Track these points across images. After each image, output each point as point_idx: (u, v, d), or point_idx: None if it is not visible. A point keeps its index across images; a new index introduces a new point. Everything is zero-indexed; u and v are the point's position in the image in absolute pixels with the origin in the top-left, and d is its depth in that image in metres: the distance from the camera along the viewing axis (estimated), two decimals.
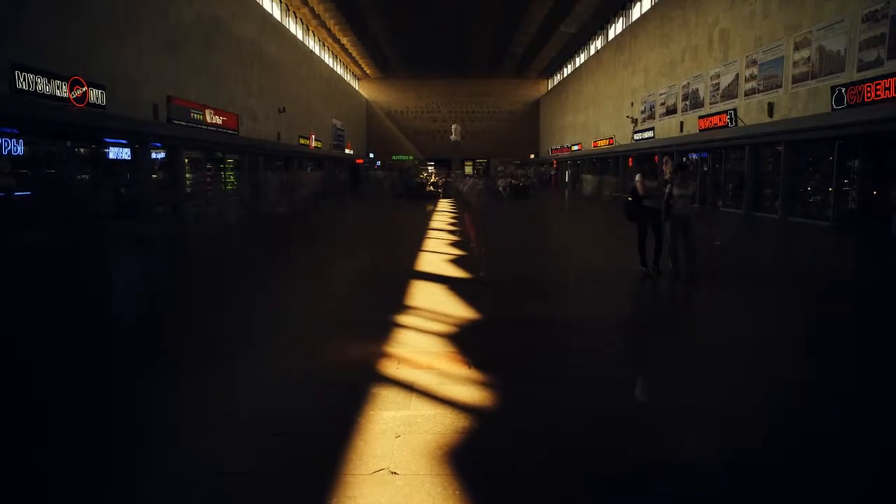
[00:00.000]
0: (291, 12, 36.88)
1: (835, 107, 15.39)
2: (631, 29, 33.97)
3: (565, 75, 52.95)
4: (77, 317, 6.76)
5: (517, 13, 38.96)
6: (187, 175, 22.03)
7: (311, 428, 3.74)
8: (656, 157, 32.06)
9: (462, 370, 4.72)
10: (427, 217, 20.45)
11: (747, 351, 5.37)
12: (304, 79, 38.75)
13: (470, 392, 4.30)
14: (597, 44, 42.10)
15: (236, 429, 3.76)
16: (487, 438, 3.62)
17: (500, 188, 32.22)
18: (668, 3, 28.03)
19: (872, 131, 14.35)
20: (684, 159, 24.09)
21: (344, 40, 46.62)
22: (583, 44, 45.44)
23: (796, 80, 17.90)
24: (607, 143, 37.57)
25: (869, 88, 14.13)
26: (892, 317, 6.77)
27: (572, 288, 8.66)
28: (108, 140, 16.71)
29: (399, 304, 7.04)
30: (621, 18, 36.28)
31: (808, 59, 17.23)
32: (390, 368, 4.74)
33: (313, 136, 38.96)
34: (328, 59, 47.26)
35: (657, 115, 29.58)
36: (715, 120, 22.43)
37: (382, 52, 50.30)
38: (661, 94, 29.04)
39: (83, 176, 16.19)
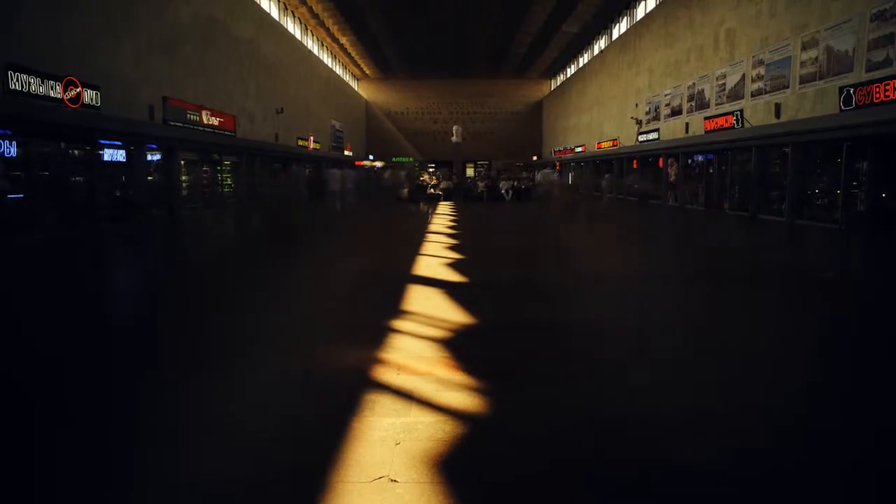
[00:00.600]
0: (290, 11, 36.97)
1: (843, 108, 15.40)
2: (635, 28, 34.03)
3: (568, 76, 53.03)
4: (67, 320, 6.76)
5: (519, 12, 39.04)
6: (183, 177, 22.05)
7: (309, 434, 3.74)
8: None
9: (463, 376, 4.72)
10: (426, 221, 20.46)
11: (756, 354, 5.37)
12: (303, 79, 38.84)
13: (470, 398, 4.30)
14: (600, 43, 42.17)
15: (234, 435, 3.76)
16: (488, 445, 3.62)
17: (503, 190, 32.28)
18: (673, 2, 28.08)
19: (881, 133, 14.34)
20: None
21: (343, 40, 46.72)
22: (586, 44, 45.52)
23: (804, 80, 17.92)
24: (611, 144, 37.60)
25: (878, 89, 14.13)
26: None
27: (579, 291, 8.66)
28: (102, 142, 16.74)
29: (398, 308, 7.05)
30: (625, 18, 36.35)
31: (816, 59, 17.25)
32: (390, 374, 4.74)
33: (312, 138, 39.02)
34: (327, 59, 47.36)
35: (662, 117, 29.61)
36: (721, 121, 22.45)
37: (382, 52, 50.39)
38: (666, 95, 29.07)
39: (77, 178, 16.21)
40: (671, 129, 28.34)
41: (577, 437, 3.72)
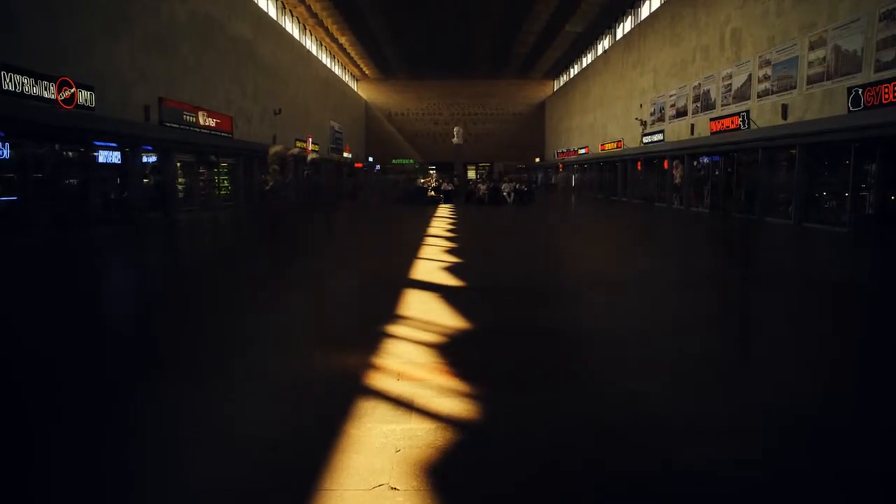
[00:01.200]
0: (287, 11, 37.07)
1: (851, 108, 15.42)
2: (640, 28, 34.10)
3: (571, 76, 53.12)
4: (56, 325, 6.77)
5: (521, 12, 39.12)
6: (179, 179, 22.08)
7: (308, 442, 3.73)
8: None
9: (463, 382, 4.73)
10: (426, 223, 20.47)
11: (762, 361, 5.37)
12: (301, 80, 38.92)
13: (471, 405, 4.30)
14: (604, 43, 42.26)
15: (230, 443, 3.76)
16: (489, 452, 3.62)
17: (505, 193, 32.30)
18: (678, 1, 28.16)
19: (890, 134, 14.35)
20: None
21: (342, 40, 46.82)
22: (590, 43, 45.61)
23: (811, 80, 17.95)
24: (615, 146, 37.63)
25: (887, 89, 14.15)
26: None
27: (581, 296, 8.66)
28: (97, 143, 16.77)
29: (397, 313, 7.05)
30: (630, 17, 36.43)
31: (824, 59, 17.28)
32: (390, 380, 4.75)
33: (310, 139, 39.07)
34: (326, 59, 47.47)
35: (667, 118, 29.65)
36: (727, 122, 22.48)
37: (382, 51, 50.49)
38: (671, 96, 29.11)
39: (72, 180, 16.24)
40: (676, 131, 28.38)
41: (579, 445, 3.72)
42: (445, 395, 4.46)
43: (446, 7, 38.05)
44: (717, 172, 24.49)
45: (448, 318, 6.80)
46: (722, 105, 23.68)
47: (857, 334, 6.55)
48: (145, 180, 19.60)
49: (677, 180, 28.40)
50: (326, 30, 43.37)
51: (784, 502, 3.09)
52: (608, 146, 39.22)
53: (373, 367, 5.07)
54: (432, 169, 61.57)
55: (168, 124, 20.36)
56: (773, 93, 20.05)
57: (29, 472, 3.40)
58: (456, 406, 4.26)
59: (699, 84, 25.82)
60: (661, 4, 30.76)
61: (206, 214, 22.83)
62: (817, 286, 9.31)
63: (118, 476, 3.39)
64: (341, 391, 4.55)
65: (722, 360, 5.47)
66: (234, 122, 26.34)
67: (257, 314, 7.33)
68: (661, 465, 3.43)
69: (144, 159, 19.53)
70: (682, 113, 27.81)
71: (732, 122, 22.04)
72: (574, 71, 52.27)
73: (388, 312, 7.06)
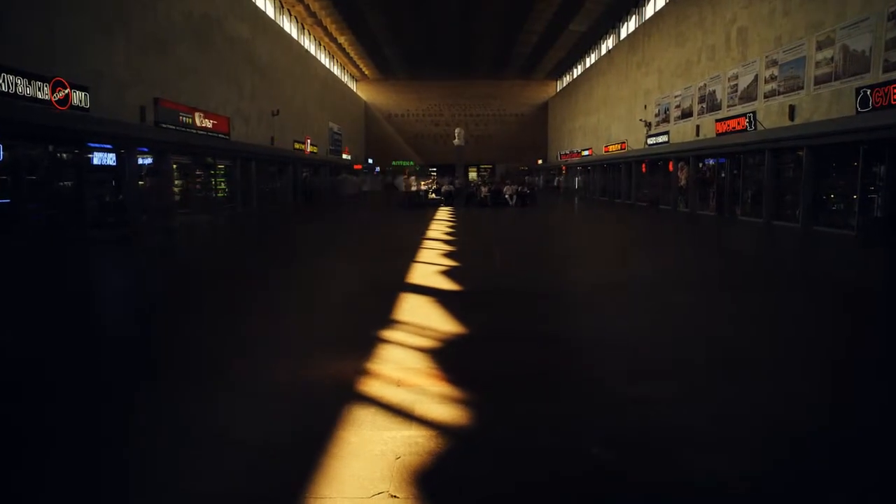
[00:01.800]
0: (285, 10, 37.15)
1: (859, 109, 15.43)
2: (644, 27, 34.16)
3: (575, 76, 53.18)
4: (45, 330, 6.79)
5: (523, 11, 39.21)
6: (176, 181, 22.11)
7: (307, 449, 3.75)
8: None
9: (464, 389, 4.74)
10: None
11: (770, 367, 5.38)
12: (299, 80, 38.99)
13: (472, 411, 4.32)
14: (608, 43, 42.33)
15: (227, 450, 3.78)
16: (491, 459, 3.64)
17: (507, 195, 32.30)
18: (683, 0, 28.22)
19: None
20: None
21: (341, 39, 46.91)
22: (593, 43, 45.70)
23: (819, 81, 17.97)
24: (619, 147, 37.67)
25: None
26: None
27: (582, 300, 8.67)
28: (91, 145, 16.79)
29: (396, 319, 7.06)
30: (634, 16, 36.49)
31: (832, 59, 17.30)
32: (390, 387, 4.76)
33: (309, 141, 39.14)
34: (324, 59, 47.57)
35: (672, 119, 29.68)
36: (733, 123, 22.50)
37: (382, 51, 50.59)
38: (676, 96, 29.15)
39: (66, 183, 16.25)
40: (681, 132, 28.40)
41: (580, 451, 3.73)
42: (446, 402, 4.48)
43: (447, 6, 38.13)
44: (722, 174, 24.50)
45: (448, 324, 6.81)
46: (728, 106, 23.70)
47: (867, 339, 6.55)
48: (140, 182, 19.61)
49: (682, 182, 28.41)
50: (325, 29, 43.47)
51: None
52: (612, 148, 39.27)
53: (373, 373, 5.09)
54: (433, 171, 61.60)
55: (164, 125, 20.40)
56: (780, 93, 20.08)
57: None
58: (457, 413, 4.28)
59: (705, 84, 25.84)
60: (666, 3, 30.81)
61: (202, 218, 22.85)
62: (828, 290, 9.32)
63: (110, 483, 3.40)
64: (341, 398, 4.56)
65: (731, 368, 5.48)
66: (232, 123, 26.38)
67: (254, 318, 7.35)
68: (671, 474, 3.44)
69: (140, 161, 19.55)
70: (687, 114, 27.84)
71: (739, 124, 22.06)
72: (577, 71, 52.35)
73: (388, 318, 7.08)
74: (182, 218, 21.36)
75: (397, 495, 3.16)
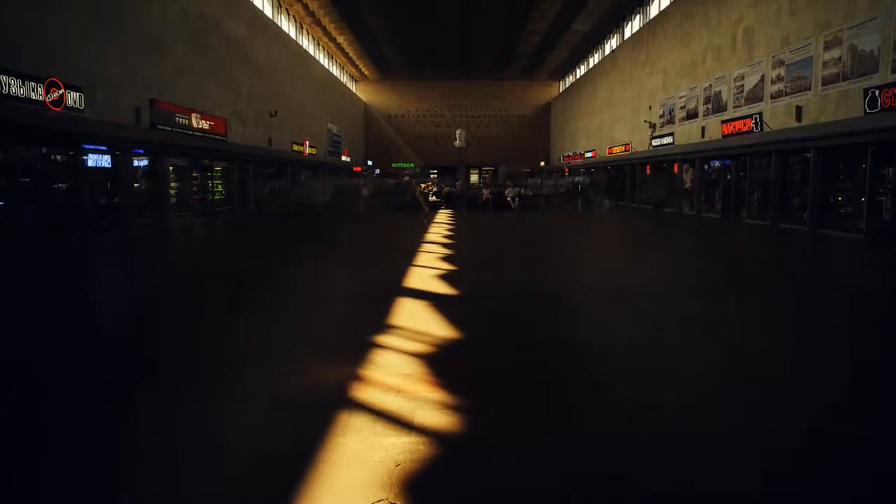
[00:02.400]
0: (283, 9, 37.21)
1: (868, 110, 15.44)
2: (649, 27, 34.22)
3: (578, 77, 53.22)
4: (36, 335, 6.80)
5: (526, 10, 39.27)
6: (172, 184, 22.14)
7: (306, 457, 3.75)
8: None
9: (466, 396, 4.74)
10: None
11: (778, 373, 5.38)
12: (298, 81, 39.05)
13: (473, 418, 4.32)
14: (612, 43, 42.37)
15: (224, 459, 3.78)
16: (491, 465, 3.64)
17: (509, 198, 32.27)
18: None
19: None
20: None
21: (340, 39, 46.99)
22: (597, 43, 45.76)
23: (826, 81, 17.98)
24: (623, 149, 37.68)
25: None
26: None
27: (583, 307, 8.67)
28: (86, 146, 16.82)
29: (395, 325, 7.06)
30: (638, 15, 36.55)
31: (839, 59, 17.32)
32: (390, 394, 4.76)
33: (307, 143, 39.16)
34: (323, 59, 47.64)
35: (677, 120, 29.71)
36: (739, 125, 22.51)
37: (381, 51, 50.67)
38: (681, 97, 29.18)
39: (60, 185, 16.26)
40: (686, 133, 28.42)
41: (582, 456, 3.73)
42: (447, 408, 4.48)
43: (448, 5, 38.19)
44: (728, 176, 24.51)
45: (450, 330, 6.82)
46: (734, 107, 23.72)
47: (879, 344, 6.55)
48: (136, 185, 19.64)
49: (688, 185, 28.42)
50: (324, 29, 43.54)
51: None
52: (616, 149, 39.28)
53: (373, 380, 5.09)
54: (433, 173, 61.62)
55: (160, 127, 20.42)
56: (786, 94, 20.09)
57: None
58: (458, 420, 4.28)
59: (710, 85, 25.87)
60: (671, 3, 30.87)
61: (199, 220, 22.87)
62: (838, 294, 9.32)
63: (96, 491, 3.41)
64: (340, 404, 4.56)
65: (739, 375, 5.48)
66: (229, 124, 26.41)
67: (250, 322, 7.35)
68: (673, 481, 3.44)
69: (136, 163, 19.58)
70: (692, 115, 27.86)
71: (745, 125, 22.07)
72: (581, 71, 52.40)
73: (389, 323, 7.08)
74: (178, 220, 21.40)
75: (397, 503, 3.16)
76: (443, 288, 9.45)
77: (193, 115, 22.91)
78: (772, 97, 21.02)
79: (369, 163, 60.99)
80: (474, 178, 60.77)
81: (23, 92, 13.88)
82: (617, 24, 40.37)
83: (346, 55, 52.24)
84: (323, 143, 44.61)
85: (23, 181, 14.73)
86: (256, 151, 29.94)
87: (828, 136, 17.31)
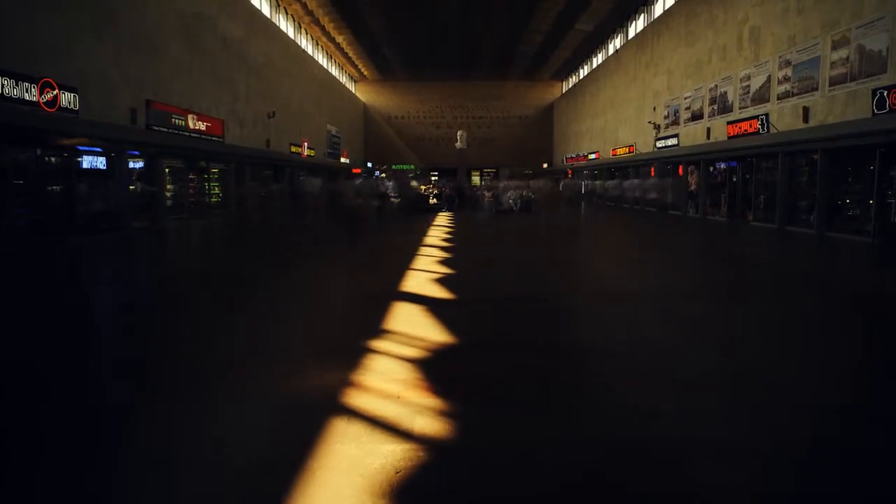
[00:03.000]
0: (282, 8, 37.27)
1: (876, 111, 15.45)
2: (653, 26, 34.26)
3: (581, 77, 53.25)
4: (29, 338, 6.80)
5: (528, 9, 39.27)
6: (168, 186, 22.17)
7: (305, 463, 3.75)
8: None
9: (463, 401, 4.75)
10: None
11: (790, 379, 5.38)
12: (296, 81, 39.11)
13: (472, 424, 4.33)
14: (616, 42, 42.42)
15: (221, 465, 3.78)
16: (492, 471, 3.64)
17: (511, 201, 32.21)
18: None
19: None
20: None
21: (339, 39, 47.05)
22: (600, 43, 45.78)
23: (834, 82, 17.99)
24: (627, 150, 37.70)
25: None
26: None
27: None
28: (81, 148, 16.84)
29: (394, 330, 7.06)
30: (643, 15, 36.60)
31: (847, 59, 17.33)
32: (390, 400, 4.76)
33: (306, 144, 39.19)
34: (322, 59, 47.70)
35: (682, 121, 29.72)
36: (745, 126, 22.51)
37: (381, 51, 50.71)
38: (686, 98, 29.20)
39: (54, 187, 16.28)
40: (691, 135, 28.43)
41: (582, 461, 3.73)
42: (446, 414, 4.48)
43: (449, 4, 38.22)
44: (734, 178, 24.51)
45: (452, 336, 6.82)
46: (740, 108, 23.74)
47: (882, 350, 6.55)
48: (131, 187, 19.66)
49: (693, 187, 28.42)
50: (323, 28, 43.61)
51: None
52: (620, 151, 39.29)
53: (373, 386, 5.09)
54: (434, 174, 61.58)
55: (156, 128, 20.45)
56: (793, 95, 20.10)
57: None
58: (458, 426, 4.28)
59: (716, 85, 25.89)
60: (676, 2, 30.91)
61: (196, 223, 22.89)
62: (847, 298, 9.32)
63: (85, 497, 3.41)
64: (340, 409, 4.57)
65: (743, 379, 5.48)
66: (226, 125, 26.44)
67: (247, 326, 7.35)
68: (675, 487, 3.44)
69: (131, 164, 19.61)
70: (697, 116, 27.87)
71: (751, 126, 22.07)
72: (584, 72, 52.44)
73: (390, 328, 7.08)
74: (175, 223, 21.42)
75: None
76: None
77: (190, 116, 22.95)
78: (778, 98, 21.03)
79: (369, 164, 60.99)
80: (476, 180, 60.70)
81: (16, 93, 13.91)
82: (621, 24, 40.41)
83: (345, 55, 52.31)
84: (322, 144, 44.64)
85: (16, 183, 14.75)
86: (254, 153, 29.96)
87: (835, 137, 17.31)
